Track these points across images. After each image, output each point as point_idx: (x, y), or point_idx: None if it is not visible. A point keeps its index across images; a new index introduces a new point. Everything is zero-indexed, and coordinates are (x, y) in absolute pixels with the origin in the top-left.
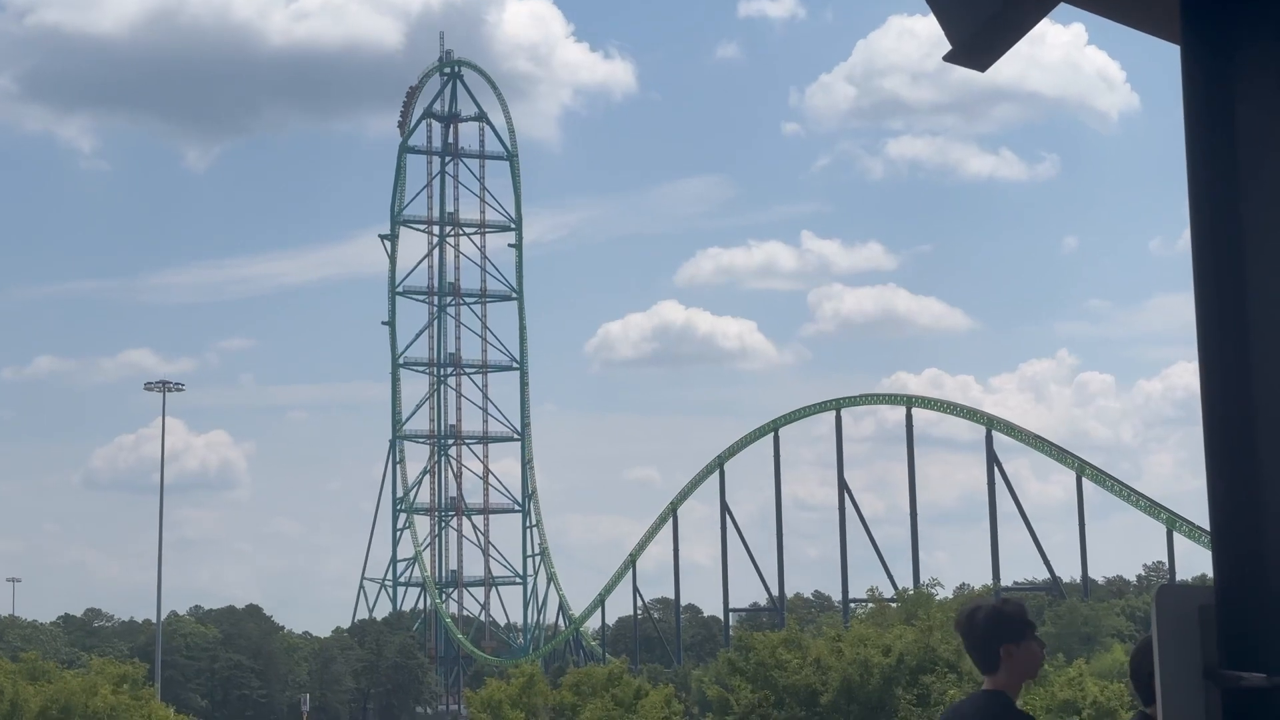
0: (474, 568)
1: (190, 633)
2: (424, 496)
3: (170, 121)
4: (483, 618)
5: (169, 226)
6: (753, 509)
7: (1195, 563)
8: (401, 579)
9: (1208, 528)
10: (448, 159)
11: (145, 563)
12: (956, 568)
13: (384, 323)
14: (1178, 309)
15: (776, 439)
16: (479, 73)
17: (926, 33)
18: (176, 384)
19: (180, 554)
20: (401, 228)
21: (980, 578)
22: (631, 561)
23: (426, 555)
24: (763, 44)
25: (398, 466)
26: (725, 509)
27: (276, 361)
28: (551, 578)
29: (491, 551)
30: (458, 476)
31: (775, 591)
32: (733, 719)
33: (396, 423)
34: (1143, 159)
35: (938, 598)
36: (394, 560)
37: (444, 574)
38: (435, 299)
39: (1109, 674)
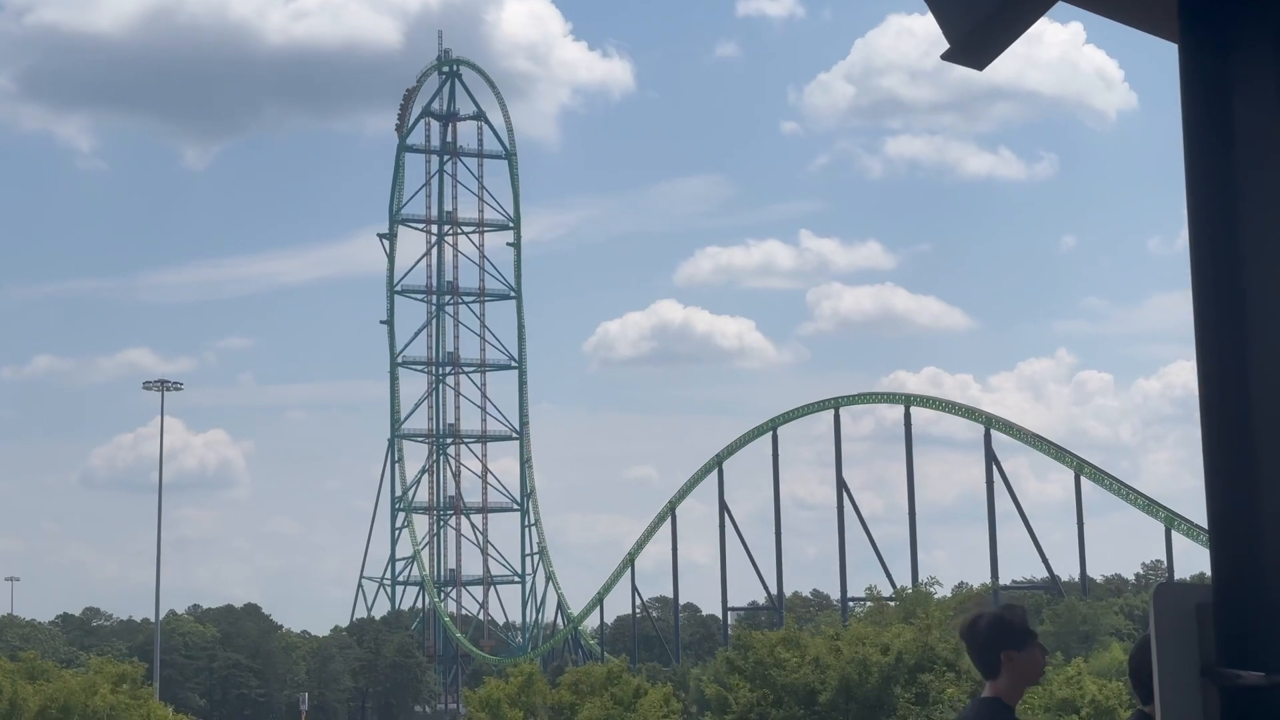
0: (472, 567)
1: (189, 632)
2: (422, 495)
3: (169, 121)
4: (481, 617)
5: (167, 226)
6: (751, 508)
7: (1194, 561)
8: (400, 578)
9: (1206, 526)
10: (446, 158)
11: (144, 562)
12: (955, 567)
13: (382, 322)
14: (1176, 308)
15: (775, 438)
16: (477, 72)
17: (925, 31)
18: (175, 383)
19: (179, 553)
20: (400, 227)
21: (979, 576)
22: (630, 560)
23: (425, 554)
24: (761, 43)
25: (396, 465)
26: (724, 508)
27: (275, 361)
28: (550, 577)
29: (490, 550)
30: (456, 475)
31: (774, 590)
32: (731, 718)
33: (395, 422)
34: (1141, 158)
35: (936, 597)
36: (392, 559)
37: (442, 573)
38: (434, 298)
39: (1107, 673)
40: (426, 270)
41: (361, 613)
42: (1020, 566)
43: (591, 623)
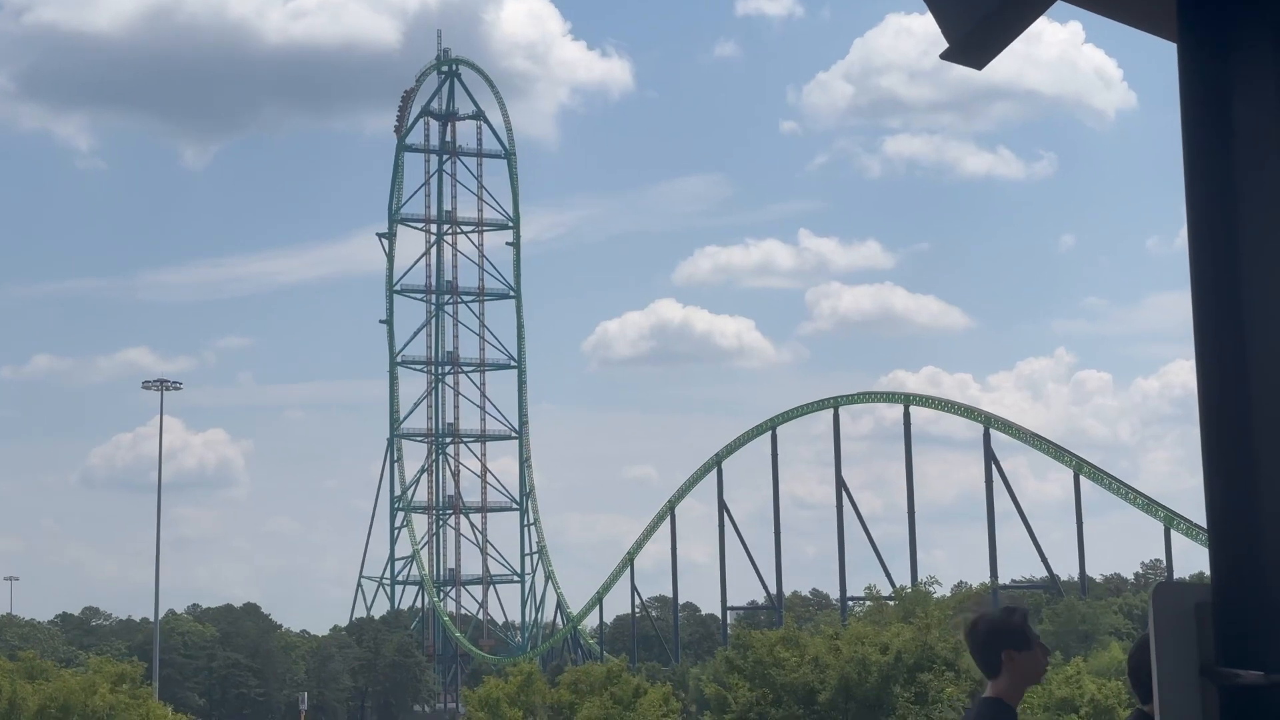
0: (472, 566)
1: (188, 631)
2: (422, 495)
3: (168, 120)
4: (480, 616)
5: (166, 225)
6: (750, 507)
7: (1193, 560)
8: (399, 577)
9: (1205, 525)
10: (445, 157)
11: (143, 561)
12: (954, 566)
13: (382, 321)
14: (1175, 307)
15: (774, 437)
16: (476, 71)
17: (924, 31)
18: (174, 382)
19: (178, 552)
20: (399, 226)
21: (978, 576)
22: (629, 560)
23: (424, 553)
24: (760, 42)
25: (395, 465)
26: (723, 507)
27: (274, 360)
28: (549, 576)
29: (489, 550)
30: (455, 475)
31: (773, 590)
32: (730, 717)
33: (394, 421)
34: (1140, 157)
35: (935, 596)
36: (392, 559)
37: (442, 572)
38: (433, 297)
39: (1106, 672)
40: (426, 270)
41: (361, 612)
42: (1019, 566)
43: (591, 622)
